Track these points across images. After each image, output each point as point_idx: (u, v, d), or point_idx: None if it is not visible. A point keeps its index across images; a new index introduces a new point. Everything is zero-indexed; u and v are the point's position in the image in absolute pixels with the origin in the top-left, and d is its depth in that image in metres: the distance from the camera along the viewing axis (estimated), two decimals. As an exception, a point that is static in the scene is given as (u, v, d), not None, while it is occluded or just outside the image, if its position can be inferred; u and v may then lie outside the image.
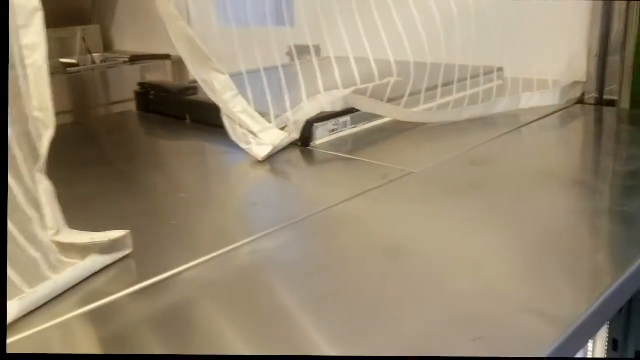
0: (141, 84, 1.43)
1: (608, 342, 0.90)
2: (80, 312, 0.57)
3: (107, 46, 3.13)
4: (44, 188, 0.65)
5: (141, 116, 1.39)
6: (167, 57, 2.61)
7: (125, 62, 2.59)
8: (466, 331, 0.51)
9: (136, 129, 1.36)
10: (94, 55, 2.78)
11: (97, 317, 0.57)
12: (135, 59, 2.61)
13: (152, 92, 1.39)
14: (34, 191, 0.65)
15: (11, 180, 0.62)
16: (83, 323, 0.56)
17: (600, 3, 1.19)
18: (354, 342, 0.51)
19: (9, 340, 0.53)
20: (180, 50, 1.01)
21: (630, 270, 0.59)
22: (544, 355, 0.47)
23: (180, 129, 1.25)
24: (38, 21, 0.69)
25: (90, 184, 0.94)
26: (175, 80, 2.43)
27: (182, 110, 1.30)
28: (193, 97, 1.31)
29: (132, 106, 1.46)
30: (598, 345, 0.90)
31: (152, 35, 2.86)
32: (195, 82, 1.40)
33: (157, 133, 1.28)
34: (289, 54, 1.13)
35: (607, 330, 0.88)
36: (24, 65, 0.68)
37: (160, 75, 2.55)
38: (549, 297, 0.56)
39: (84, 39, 2.69)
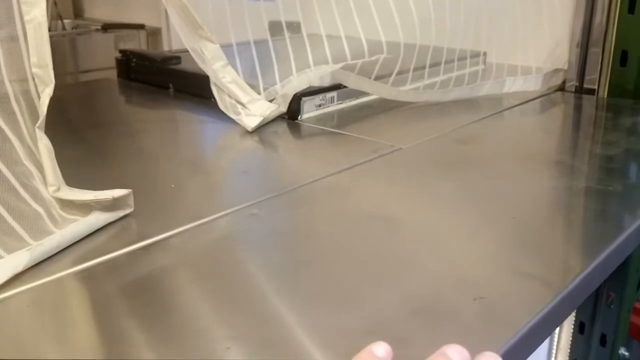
0: (122, 51, 1.42)
1: (574, 325, 0.93)
2: (78, 268, 0.57)
3: (77, 13, 3.08)
4: (44, 145, 0.64)
5: (122, 83, 1.38)
6: (141, 27, 2.58)
7: (97, 30, 2.55)
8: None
9: (118, 96, 1.34)
10: (65, 21, 2.74)
11: (93, 275, 0.57)
12: (108, 27, 2.57)
13: (134, 60, 1.37)
14: (34, 147, 0.64)
15: (11, 136, 0.62)
16: (80, 280, 0.56)
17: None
18: (358, 306, 0.52)
19: (4, 294, 0.53)
20: (172, 16, 1.01)
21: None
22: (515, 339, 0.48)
23: (164, 98, 1.25)
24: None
25: (79, 147, 0.93)
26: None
27: (165, 80, 1.29)
28: (177, 67, 1.31)
29: (104, 74, 1.45)
30: (565, 328, 0.93)
31: (124, 4, 2.82)
32: (177, 51, 1.40)
33: (140, 101, 1.27)
34: (272, 28, 1.14)
35: (574, 314, 0.91)
36: (22, 21, 0.67)
37: (134, 45, 2.53)
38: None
39: (55, 3, 2.64)
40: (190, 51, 1.04)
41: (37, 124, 0.64)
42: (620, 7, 1.19)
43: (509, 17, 1.22)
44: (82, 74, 2.41)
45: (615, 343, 0.89)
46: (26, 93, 0.66)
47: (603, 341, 0.90)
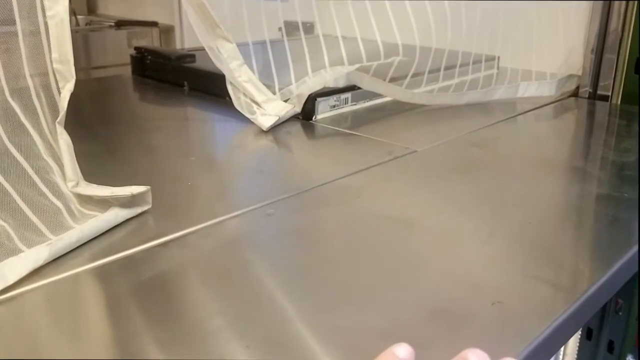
0: (137, 48, 1.42)
1: (582, 331, 0.93)
2: (96, 264, 0.58)
3: (91, 9, 3.09)
4: (64, 140, 0.65)
5: (136, 80, 1.39)
6: (154, 24, 2.59)
7: (111, 27, 2.56)
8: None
9: (132, 93, 1.35)
10: (78, 17, 2.75)
11: (110, 272, 0.57)
12: (121, 24, 2.58)
13: (149, 57, 1.38)
14: (54, 142, 0.65)
15: (31, 130, 0.62)
16: (97, 276, 0.57)
17: (600, 2, 1.22)
18: (375, 307, 0.52)
19: (20, 290, 0.53)
20: (190, 14, 1.01)
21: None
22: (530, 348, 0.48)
23: (178, 96, 1.25)
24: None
25: (95, 143, 0.94)
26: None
27: (180, 77, 1.29)
28: (191, 65, 1.31)
29: (117, 71, 1.45)
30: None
31: (137, 2, 2.83)
32: (191, 49, 1.41)
33: (155, 99, 1.27)
34: (292, 28, 1.14)
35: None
36: (45, 16, 0.68)
37: (146, 42, 2.54)
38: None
39: (69, -1, 2.65)
40: (206, 49, 1.04)
41: (58, 120, 0.65)
42: (636, 14, 1.19)
43: (524, 22, 1.22)
44: (94, 70, 2.42)
45: (623, 350, 0.89)
46: (47, 88, 0.67)
47: (610, 348, 0.90)
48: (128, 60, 1.43)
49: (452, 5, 1.12)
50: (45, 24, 0.68)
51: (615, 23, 1.22)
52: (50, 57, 0.67)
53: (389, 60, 1.10)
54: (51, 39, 0.67)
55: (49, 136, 0.65)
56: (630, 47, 1.21)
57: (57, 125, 0.66)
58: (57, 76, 0.67)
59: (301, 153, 0.97)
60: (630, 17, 1.20)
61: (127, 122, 1.09)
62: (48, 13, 0.67)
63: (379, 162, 0.86)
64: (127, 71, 1.43)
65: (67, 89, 0.67)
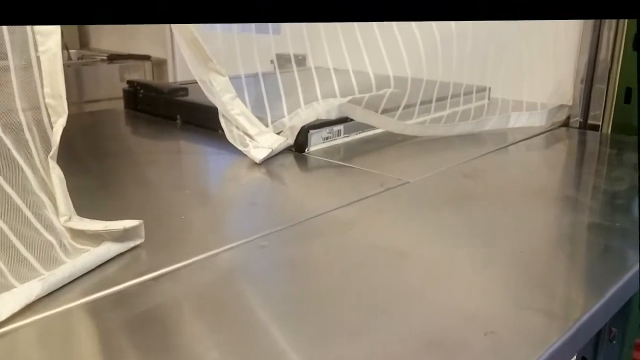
0: (130, 82, 1.43)
1: (576, 359, 0.92)
2: (88, 299, 0.57)
3: (84, 43, 3.10)
4: (56, 175, 0.65)
5: (129, 114, 1.39)
6: (147, 58, 2.60)
7: (103, 60, 2.57)
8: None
9: (125, 127, 1.35)
10: (71, 51, 2.76)
11: (102, 307, 0.57)
12: (114, 57, 2.59)
13: (141, 91, 1.39)
14: (46, 177, 0.65)
15: (24, 165, 0.62)
16: (89, 311, 0.56)
17: (589, 32, 1.24)
18: (367, 339, 0.52)
19: (12, 326, 0.53)
20: (183, 48, 1.02)
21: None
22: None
23: (171, 129, 1.25)
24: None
25: (87, 177, 0.94)
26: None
27: (172, 111, 1.30)
28: (184, 98, 1.32)
29: (110, 105, 1.46)
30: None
31: (130, 35, 2.84)
32: (184, 83, 1.42)
33: (147, 132, 1.28)
34: (284, 61, 1.15)
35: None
36: (37, 51, 0.68)
37: (139, 75, 2.54)
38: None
39: (62, 33, 2.66)
40: (199, 82, 1.05)
41: (50, 154, 0.65)
42: (625, 44, 1.20)
43: (514, 53, 1.24)
44: (86, 104, 2.43)
45: (618, 379, 0.89)
46: (39, 123, 0.67)
47: (605, 377, 0.90)
48: (121, 93, 1.43)
49: (443, 36, 1.13)
50: (38, 58, 0.68)
51: (604, 53, 1.23)
52: (43, 92, 0.67)
53: (381, 92, 1.11)
54: (43, 74, 0.68)
55: (42, 171, 0.65)
56: (619, 77, 1.22)
57: (49, 160, 0.66)
58: (50, 111, 0.67)
59: (294, 185, 0.97)
60: (619, 47, 1.21)
61: (119, 155, 1.09)
62: (40, 48, 0.68)
63: (371, 194, 0.86)
64: (120, 105, 1.44)
65: (59, 123, 0.67)
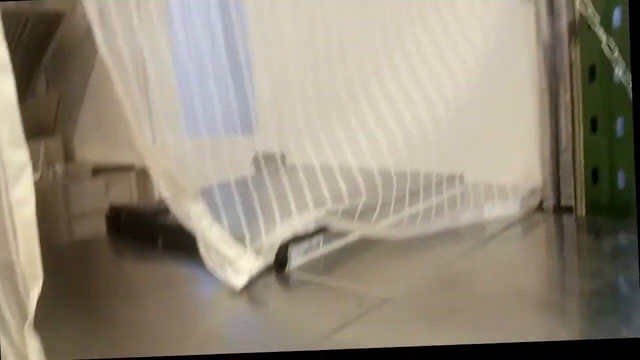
0: (112, 207, 1.45)
1: None
2: None
3: (68, 156, 3.12)
4: (34, 346, 0.66)
5: (111, 241, 1.40)
6: (130, 168, 2.62)
7: (88, 176, 2.59)
8: None
9: (108, 257, 1.35)
10: (56, 165, 2.78)
11: None
12: (98, 170, 2.61)
13: (123, 216, 1.40)
14: (23, 348, 0.66)
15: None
16: None
17: (546, 105, 1.28)
18: None
19: None
20: (157, 181, 1.05)
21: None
22: None
23: (153, 256, 1.25)
24: (27, 177, 0.71)
25: (74, 318, 0.94)
26: (140, 194, 2.44)
27: (154, 233, 1.30)
28: (165, 221, 1.32)
29: (96, 220, 1.47)
30: None
31: (114, 143, 2.87)
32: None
33: (129, 262, 1.28)
34: (256, 162, 1.19)
35: None
36: (12, 219, 0.70)
37: (124, 188, 2.55)
38: None
39: (46, 150, 2.69)
40: (176, 215, 1.07)
41: (26, 323, 0.66)
42: (583, 127, 1.23)
43: (480, 137, 1.26)
44: (73, 219, 2.43)
45: None
46: (15, 292, 0.68)
47: None
48: (106, 205, 1.45)
49: (418, 127, 1.17)
50: (14, 227, 0.70)
51: (565, 139, 1.27)
52: (18, 260, 0.69)
53: (355, 202, 1.13)
54: (19, 241, 0.69)
55: (19, 342, 0.66)
56: (584, 158, 1.24)
57: (26, 329, 0.67)
58: (26, 276, 0.69)
59: (275, 312, 0.98)
60: (579, 131, 1.24)
61: (104, 294, 1.08)
62: (15, 216, 0.70)
63: (354, 316, 0.87)
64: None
65: (35, 290, 0.68)
